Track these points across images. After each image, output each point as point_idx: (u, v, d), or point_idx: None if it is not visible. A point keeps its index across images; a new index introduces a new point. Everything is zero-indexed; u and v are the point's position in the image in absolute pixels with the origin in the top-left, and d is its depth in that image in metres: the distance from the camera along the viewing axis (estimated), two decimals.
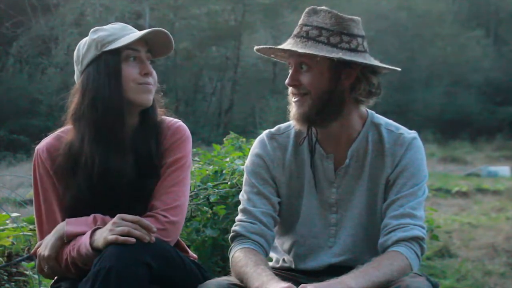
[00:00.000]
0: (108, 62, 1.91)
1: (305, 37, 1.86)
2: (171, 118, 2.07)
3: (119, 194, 1.93)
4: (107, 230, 1.77)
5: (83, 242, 1.81)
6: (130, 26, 2.00)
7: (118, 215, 1.80)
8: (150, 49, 1.98)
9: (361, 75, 1.88)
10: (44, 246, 1.89)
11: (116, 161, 1.90)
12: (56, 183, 1.96)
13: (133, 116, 1.98)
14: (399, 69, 1.92)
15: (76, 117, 1.94)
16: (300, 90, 1.89)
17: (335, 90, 1.88)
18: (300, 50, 1.83)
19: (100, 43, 1.93)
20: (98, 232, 1.81)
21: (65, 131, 2.00)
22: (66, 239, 1.86)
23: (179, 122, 2.06)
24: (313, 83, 1.87)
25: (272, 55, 2.05)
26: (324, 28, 1.86)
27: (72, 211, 1.93)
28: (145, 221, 1.79)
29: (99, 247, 1.76)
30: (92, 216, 1.89)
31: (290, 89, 1.93)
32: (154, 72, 1.98)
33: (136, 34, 1.94)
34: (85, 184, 1.91)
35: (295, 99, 1.91)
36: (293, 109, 1.92)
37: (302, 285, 1.64)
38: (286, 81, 1.92)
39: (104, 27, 1.98)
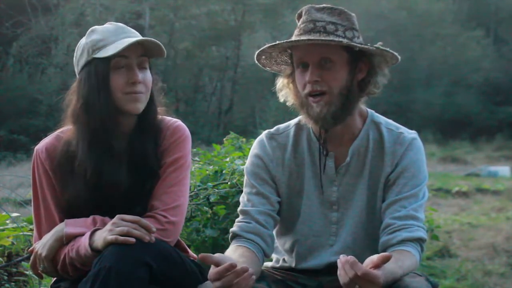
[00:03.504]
0: (98, 69, 1.90)
1: (324, 31, 1.84)
2: (170, 118, 2.06)
3: (116, 197, 1.92)
4: (107, 231, 1.76)
5: (83, 243, 1.80)
6: (125, 28, 1.96)
7: (117, 216, 1.80)
8: (146, 52, 1.94)
9: (375, 68, 1.89)
10: (42, 246, 1.88)
11: (110, 169, 1.90)
12: (55, 183, 1.96)
13: (129, 120, 1.97)
14: (399, 58, 1.92)
15: (72, 119, 1.95)
16: (321, 87, 1.85)
17: (351, 85, 1.88)
18: (344, 41, 1.80)
19: (91, 48, 1.91)
20: (97, 233, 1.80)
21: (64, 131, 2.00)
22: (65, 240, 1.85)
23: (178, 122, 2.05)
24: (336, 78, 1.85)
25: (268, 68, 2.04)
26: (338, 23, 1.86)
27: (70, 211, 1.93)
28: (145, 221, 1.78)
29: (99, 247, 1.76)
30: (91, 217, 1.88)
31: (307, 88, 1.87)
32: (147, 78, 1.93)
33: (122, 43, 1.89)
34: (81, 187, 1.91)
35: (316, 99, 1.86)
36: (314, 109, 1.86)
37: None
38: (307, 78, 1.85)
39: (99, 28, 1.96)
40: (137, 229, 1.75)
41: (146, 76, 1.94)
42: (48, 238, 1.88)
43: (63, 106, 1.98)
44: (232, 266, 1.57)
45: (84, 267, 1.81)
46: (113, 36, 1.91)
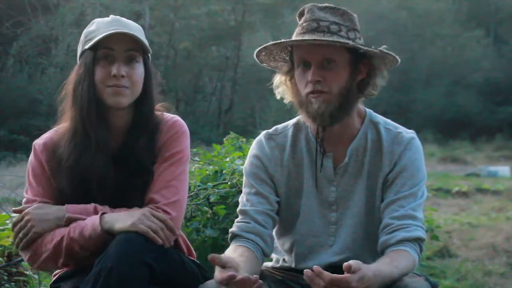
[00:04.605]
0: (86, 60, 1.90)
1: (328, 31, 1.83)
2: (168, 114, 2.05)
3: (108, 192, 1.91)
4: (135, 218, 1.76)
5: (90, 223, 1.79)
6: (121, 20, 1.95)
7: (147, 209, 1.81)
8: (138, 46, 1.92)
9: (375, 69, 1.90)
10: (38, 219, 1.83)
11: (88, 160, 1.89)
12: (49, 176, 1.95)
13: (121, 114, 1.96)
14: (399, 60, 1.92)
15: (65, 109, 1.96)
16: (322, 87, 1.85)
17: (351, 86, 1.88)
18: (350, 43, 1.80)
19: (85, 39, 1.93)
20: (114, 215, 1.80)
21: (62, 127, 2.00)
22: (66, 222, 1.83)
23: (176, 117, 2.04)
24: (337, 79, 1.85)
25: (265, 64, 2.03)
26: (341, 23, 1.86)
27: (61, 203, 1.91)
28: (170, 223, 1.79)
29: (114, 229, 1.75)
30: (92, 205, 1.87)
31: (308, 87, 1.86)
32: (134, 72, 1.91)
33: (104, 33, 1.88)
34: (65, 177, 1.91)
35: (315, 95, 1.86)
36: (313, 106, 1.86)
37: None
38: (310, 77, 1.85)
39: (98, 20, 1.97)
40: (163, 231, 1.76)
41: (134, 71, 1.91)
42: (49, 213, 1.85)
43: (61, 97, 1.98)
44: (231, 278, 1.56)
45: (82, 251, 1.80)
46: (105, 28, 1.90)
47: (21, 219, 1.87)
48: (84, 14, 23.56)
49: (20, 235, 1.86)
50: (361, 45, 1.85)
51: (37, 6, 23.21)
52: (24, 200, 1.97)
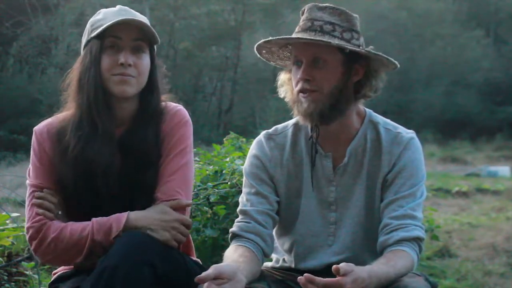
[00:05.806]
0: (92, 49, 1.89)
1: (320, 31, 1.83)
2: (171, 103, 2.04)
3: (109, 182, 1.90)
4: (171, 228, 1.85)
5: (115, 226, 1.80)
6: (128, 10, 1.95)
7: (183, 217, 1.91)
8: (145, 36, 1.92)
9: (371, 71, 1.89)
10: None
11: (93, 150, 1.87)
12: (52, 165, 1.94)
13: (127, 105, 1.95)
14: (398, 65, 1.91)
15: (69, 98, 1.95)
16: (311, 86, 1.85)
17: (345, 86, 1.87)
18: (334, 42, 1.79)
19: (91, 28, 1.92)
20: (136, 214, 1.82)
21: (63, 115, 1.98)
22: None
23: (179, 107, 2.04)
24: (328, 78, 1.84)
25: (272, 62, 2.03)
26: (336, 23, 1.85)
27: (63, 193, 1.92)
28: (186, 219, 1.92)
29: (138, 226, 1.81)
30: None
31: (299, 86, 1.87)
32: (141, 62, 1.91)
33: (112, 21, 1.87)
34: (68, 166, 1.89)
35: (305, 95, 1.86)
36: (302, 105, 1.86)
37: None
38: (299, 75, 1.85)
39: (104, 10, 1.96)
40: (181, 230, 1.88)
41: (141, 61, 1.91)
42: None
43: (65, 86, 1.97)
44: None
45: (104, 251, 1.80)
46: (112, 17, 1.90)
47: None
48: (84, 14, 23.54)
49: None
50: (355, 45, 1.84)
51: (37, 6, 23.22)
52: (27, 182, 1.96)
